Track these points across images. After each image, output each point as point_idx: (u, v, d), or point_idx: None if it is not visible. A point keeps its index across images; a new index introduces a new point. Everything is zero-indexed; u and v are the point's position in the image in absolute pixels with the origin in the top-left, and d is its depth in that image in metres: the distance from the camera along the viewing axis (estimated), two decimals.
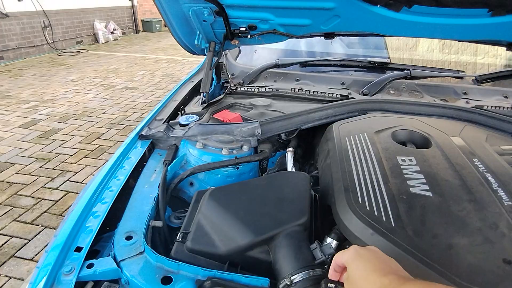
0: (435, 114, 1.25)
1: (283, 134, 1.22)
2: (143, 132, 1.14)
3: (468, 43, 2.04)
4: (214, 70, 1.43)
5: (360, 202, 0.77)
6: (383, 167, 0.88)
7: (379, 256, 0.52)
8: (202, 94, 1.37)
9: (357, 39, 1.94)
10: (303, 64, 1.59)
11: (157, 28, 10.33)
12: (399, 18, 1.09)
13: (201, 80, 1.66)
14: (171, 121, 1.20)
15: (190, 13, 1.19)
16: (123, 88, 4.98)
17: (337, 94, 1.37)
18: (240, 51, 1.82)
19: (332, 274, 0.57)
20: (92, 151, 3.12)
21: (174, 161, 1.02)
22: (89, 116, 3.95)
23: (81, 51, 7.32)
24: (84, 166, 2.86)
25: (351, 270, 0.50)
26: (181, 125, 1.19)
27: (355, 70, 1.59)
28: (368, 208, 0.75)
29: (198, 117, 1.22)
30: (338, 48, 1.94)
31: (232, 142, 1.09)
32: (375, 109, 1.30)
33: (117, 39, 8.81)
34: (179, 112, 1.34)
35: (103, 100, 4.48)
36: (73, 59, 6.68)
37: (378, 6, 1.07)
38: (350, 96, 1.35)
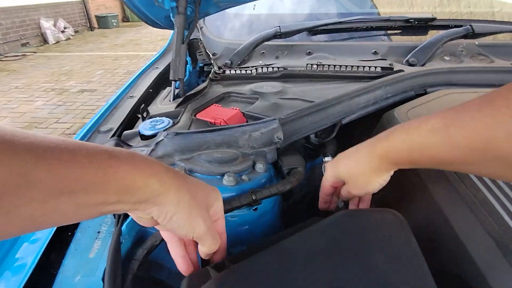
0: None
1: (313, 135, 0.76)
2: None
3: None
4: (188, 46, 0.93)
5: None
6: None
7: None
8: (173, 83, 0.88)
9: None
10: (313, 31, 1.13)
11: (114, 24, 9.48)
12: None
13: (169, 64, 1.17)
14: (125, 132, 0.71)
15: None
16: (78, 91, 4.32)
17: (375, 67, 0.92)
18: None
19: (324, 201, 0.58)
20: None
21: None
22: (38, 127, 3.31)
23: (27, 54, 6.45)
24: None
25: (353, 167, 0.49)
26: (144, 137, 0.70)
27: (384, 34, 1.15)
28: None
29: (171, 121, 0.74)
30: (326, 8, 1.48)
31: (236, 159, 0.62)
32: (439, 83, 0.87)
33: (69, 38, 7.94)
34: (139, 115, 0.84)
35: (55, 107, 3.82)
36: (18, 63, 5.85)
37: None
38: (395, 69, 0.91)
